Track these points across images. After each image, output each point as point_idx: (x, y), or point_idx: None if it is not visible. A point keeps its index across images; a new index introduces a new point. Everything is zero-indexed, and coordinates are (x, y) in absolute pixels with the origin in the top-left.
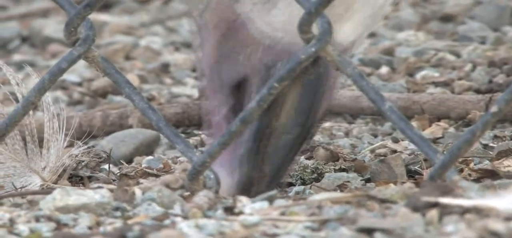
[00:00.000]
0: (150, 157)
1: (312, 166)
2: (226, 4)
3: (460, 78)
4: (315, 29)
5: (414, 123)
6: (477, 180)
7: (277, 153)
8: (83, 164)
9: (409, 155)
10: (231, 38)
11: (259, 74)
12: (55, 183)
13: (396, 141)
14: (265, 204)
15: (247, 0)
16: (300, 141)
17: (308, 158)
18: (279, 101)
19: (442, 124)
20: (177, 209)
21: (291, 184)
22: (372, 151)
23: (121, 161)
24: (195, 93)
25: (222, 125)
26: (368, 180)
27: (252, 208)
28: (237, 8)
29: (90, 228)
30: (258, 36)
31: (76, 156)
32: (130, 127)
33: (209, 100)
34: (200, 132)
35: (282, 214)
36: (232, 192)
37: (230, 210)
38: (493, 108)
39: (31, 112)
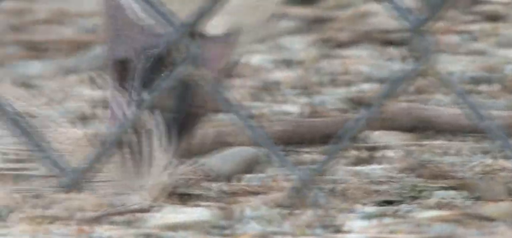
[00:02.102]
0: (253, 175)
1: (415, 184)
2: None
3: None
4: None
5: None
6: None
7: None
8: (185, 181)
9: None
10: (115, 18)
11: (139, 57)
12: (157, 200)
13: (504, 158)
14: (372, 221)
15: None
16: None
17: (416, 176)
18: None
19: None
20: (279, 227)
21: (391, 202)
22: (478, 169)
23: (224, 178)
24: (303, 111)
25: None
26: (474, 198)
27: (358, 226)
28: None
29: None
30: (135, 19)
31: (179, 173)
32: (233, 144)
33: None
34: (304, 150)
35: (391, 232)
36: None
37: (334, 228)
38: None
39: (135, 130)
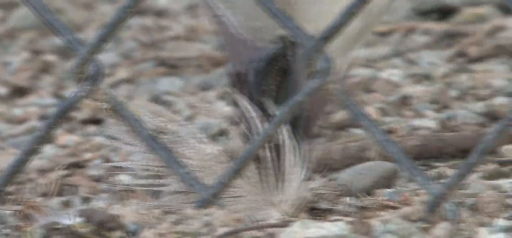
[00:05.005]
0: (390, 190)
1: None
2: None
3: None
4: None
5: None
6: None
7: None
8: (321, 196)
9: None
10: (223, 34)
11: (248, 70)
12: (295, 215)
13: None
14: (508, 235)
15: (218, 3)
16: None
17: None
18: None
19: None
20: None
21: None
22: None
23: (359, 192)
24: (435, 125)
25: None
26: None
27: None
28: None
29: None
30: (236, 34)
31: (315, 187)
32: (370, 159)
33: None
34: (439, 164)
35: None
36: None
37: None
38: None
39: (268, 145)
